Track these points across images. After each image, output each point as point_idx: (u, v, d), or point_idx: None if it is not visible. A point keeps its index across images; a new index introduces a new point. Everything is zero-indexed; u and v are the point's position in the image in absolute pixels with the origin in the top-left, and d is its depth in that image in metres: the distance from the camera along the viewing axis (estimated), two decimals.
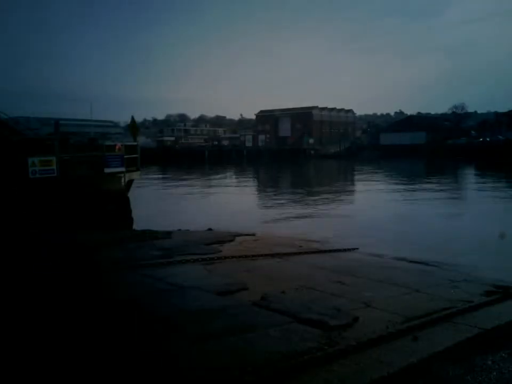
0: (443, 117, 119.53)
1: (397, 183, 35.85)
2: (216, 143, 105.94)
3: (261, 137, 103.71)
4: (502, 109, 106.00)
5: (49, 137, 16.84)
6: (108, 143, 17.22)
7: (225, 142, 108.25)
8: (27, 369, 4.16)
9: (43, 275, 7.42)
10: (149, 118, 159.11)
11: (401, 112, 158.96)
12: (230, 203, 22.62)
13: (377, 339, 4.81)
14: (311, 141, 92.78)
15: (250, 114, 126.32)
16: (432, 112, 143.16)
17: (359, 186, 35.61)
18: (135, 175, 16.86)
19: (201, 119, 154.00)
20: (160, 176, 47.33)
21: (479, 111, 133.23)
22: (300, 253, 9.74)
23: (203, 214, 18.41)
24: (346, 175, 53.10)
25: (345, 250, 10.41)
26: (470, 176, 43.50)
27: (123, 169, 15.19)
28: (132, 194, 16.55)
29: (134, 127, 18.42)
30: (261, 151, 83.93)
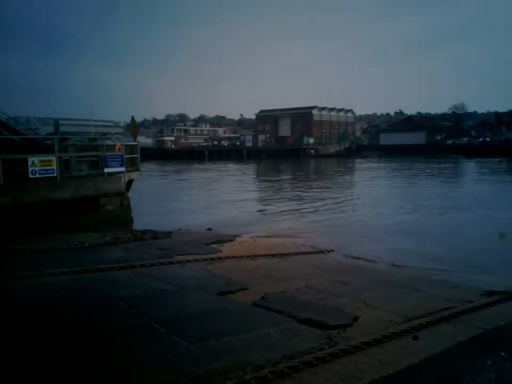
0: (443, 117, 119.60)
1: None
2: (216, 142, 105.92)
3: (261, 137, 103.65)
4: (502, 109, 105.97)
5: (49, 137, 16.83)
6: (108, 143, 17.21)
7: (225, 142, 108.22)
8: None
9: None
10: (149, 118, 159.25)
11: (401, 112, 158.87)
12: (229, 200, 22.60)
13: (377, 339, 4.81)
14: (311, 140, 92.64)
15: (250, 114, 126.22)
16: (432, 112, 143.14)
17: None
18: (135, 175, 16.87)
19: (201, 119, 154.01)
20: (160, 174, 47.37)
21: (479, 111, 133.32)
22: (298, 253, 9.75)
23: (203, 212, 18.39)
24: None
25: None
26: None
27: (123, 169, 15.20)
28: (131, 193, 16.56)
29: (134, 127, 18.43)
30: (260, 151, 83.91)
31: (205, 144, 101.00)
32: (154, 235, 11.29)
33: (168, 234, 11.62)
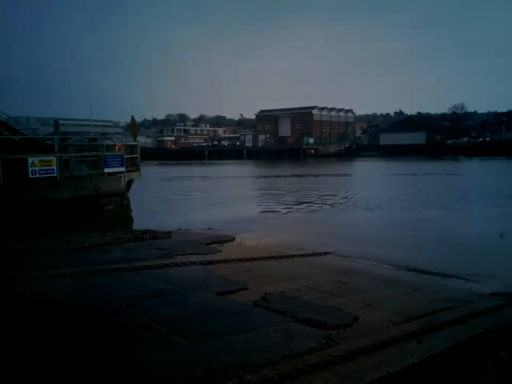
0: (443, 117, 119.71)
1: None
2: (216, 142, 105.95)
3: (261, 137, 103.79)
4: (502, 109, 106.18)
5: (49, 137, 16.84)
6: (108, 143, 17.23)
7: (225, 142, 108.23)
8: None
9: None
10: (149, 118, 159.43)
11: (401, 112, 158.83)
12: (229, 200, 22.59)
13: (377, 338, 4.80)
14: (311, 140, 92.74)
15: (250, 114, 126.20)
16: (432, 112, 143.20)
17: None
18: (135, 175, 16.88)
19: (201, 119, 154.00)
20: (160, 174, 47.41)
21: (479, 111, 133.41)
22: (298, 253, 9.74)
23: (203, 212, 18.39)
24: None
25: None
26: None
27: (123, 169, 15.21)
28: (131, 193, 16.57)
29: (134, 127, 18.45)
30: (260, 151, 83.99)
31: (205, 144, 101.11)
32: (154, 235, 11.29)
33: (168, 234, 11.61)
